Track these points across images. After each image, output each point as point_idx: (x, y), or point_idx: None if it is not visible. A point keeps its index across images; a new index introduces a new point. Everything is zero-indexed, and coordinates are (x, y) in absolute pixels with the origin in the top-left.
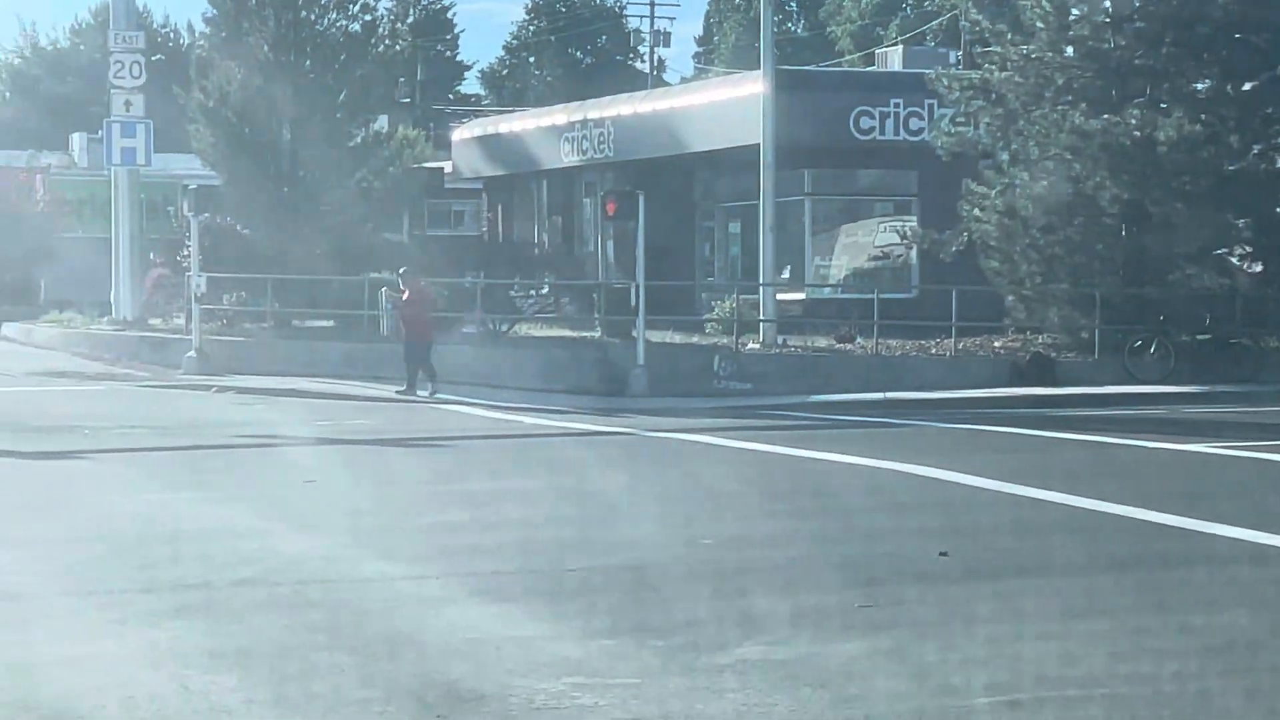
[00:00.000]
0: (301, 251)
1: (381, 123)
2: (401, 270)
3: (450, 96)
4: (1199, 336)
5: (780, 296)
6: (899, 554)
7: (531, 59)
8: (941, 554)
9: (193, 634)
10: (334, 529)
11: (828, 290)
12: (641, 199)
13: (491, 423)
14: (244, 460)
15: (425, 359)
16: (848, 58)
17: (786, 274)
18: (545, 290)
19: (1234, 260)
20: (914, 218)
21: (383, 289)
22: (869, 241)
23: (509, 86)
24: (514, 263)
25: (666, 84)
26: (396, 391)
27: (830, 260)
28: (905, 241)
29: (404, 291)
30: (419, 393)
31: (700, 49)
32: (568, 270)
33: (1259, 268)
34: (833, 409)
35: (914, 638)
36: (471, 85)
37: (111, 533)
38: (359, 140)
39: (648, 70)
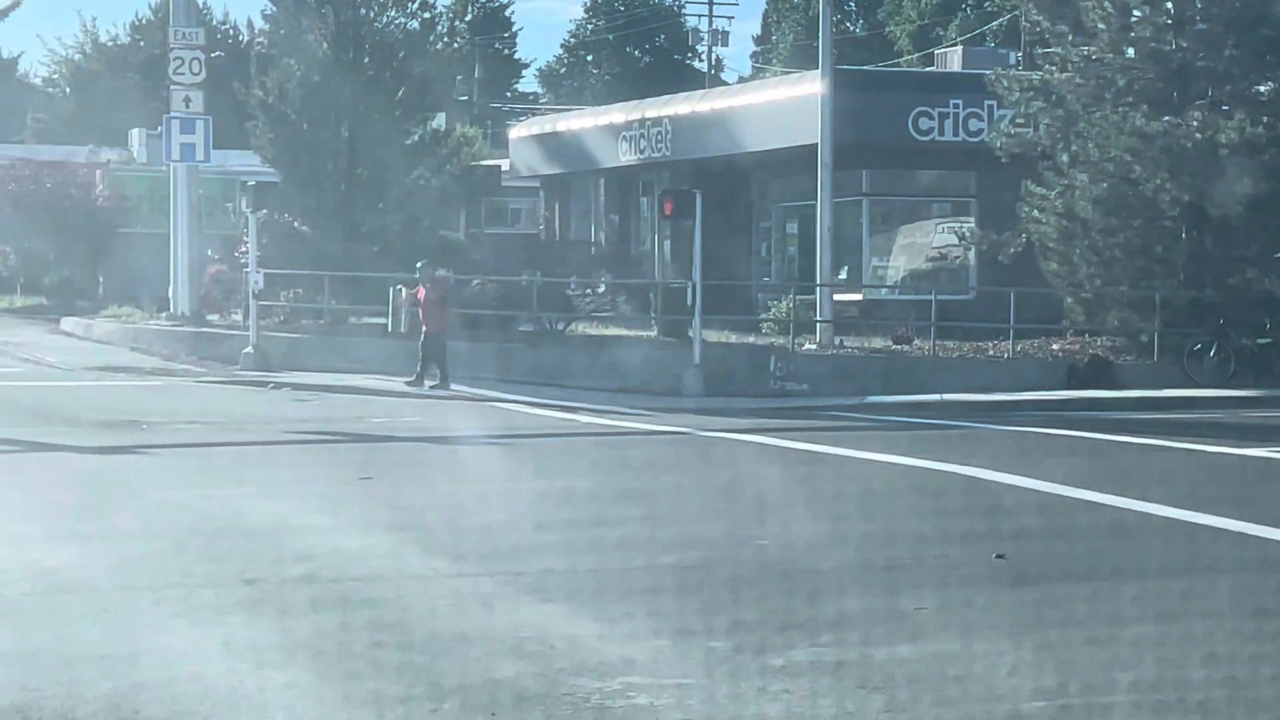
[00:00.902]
0: (359, 249)
1: (439, 121)
2: (420, 264)
3: (508, 95)
4: (1259, 341)
5: (837, 297)
6: (956, 557)
7: (589, 58)
8: (998, 557)
9: (246, 629)
10: (389, 526)
11: (885, 291)
12: (699, 198)
13: (547, 421)
14: (300, 456)
15: (440, 353)
16: (906, 58)
17: (844, 274)
18: (601, 289)
19: None
20: (972, 219)
21: (396, 285)
22: (926, 242)
23: (566, 85)
24: (570, 261)
25: (724, 83)
26: (405, 383)
27: (888, 261)
28: (964, 243)
29: (419, 288)
30: (426, 383)
31: (758, 48)
32: (624, 269)
33: None
34: (888, 410)
35: (966, 642)
36: (529, 84)
37: (168, 528)
38: (416, 138)
39: (705, 70)
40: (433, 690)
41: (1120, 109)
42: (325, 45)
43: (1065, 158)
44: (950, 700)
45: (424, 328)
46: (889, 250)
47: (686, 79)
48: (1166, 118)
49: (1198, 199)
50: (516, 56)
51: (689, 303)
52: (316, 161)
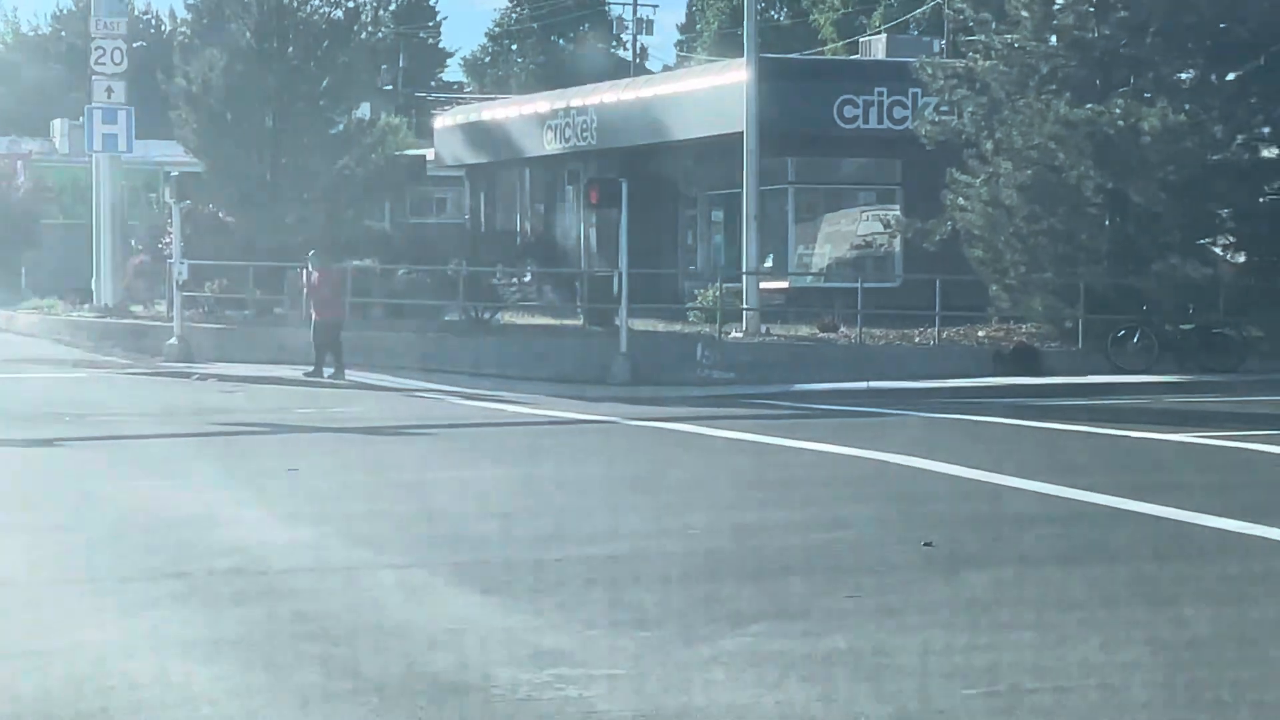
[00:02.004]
0: (284, 239)
1: (364, 110)
2: (311, 253)
3: (432, 84)
4: (1182, 326)
5: (763, 285)
6: (886, 544)
7: (514, 46)
8: (926, 544)
9: (175, 623)
10: (316, 517)
11: (810, 279)
12: (624, 187)
13: (474, 411)
14: (226, 448)
15: (335, 341)
16: (830, 46)
17: (769, 263)
18: (528, 278)
19: (1217, 250)
20: (897, 207)
21: (298, 267)
22: (852, 230)
23: (491, 74)
24: (497, 250)
25: (649, 72)
26: (304, 373)
27: (813, 249)
28: (889, 230)
29: (314, 274)
30: (326, 373)
31: (683, 37)
32: (550, 258)
33: (1241, 258)
34: (816, 398)
35: (901, 629)
36: (454, 73)
37: (95, 521)
38: (341, 128)
39: (630, 58)
40: (362, 683)
41: (1044, 97)
42: (249, 34)
43: (990, 145)
44: (886, 689)
45: (314, 317)
46: (814, 238)
47: (611, 68)
48: (1090, 105)
49: (1121, 186)
50: (441, 46)
51: (615, 292)
52: (241, 151)
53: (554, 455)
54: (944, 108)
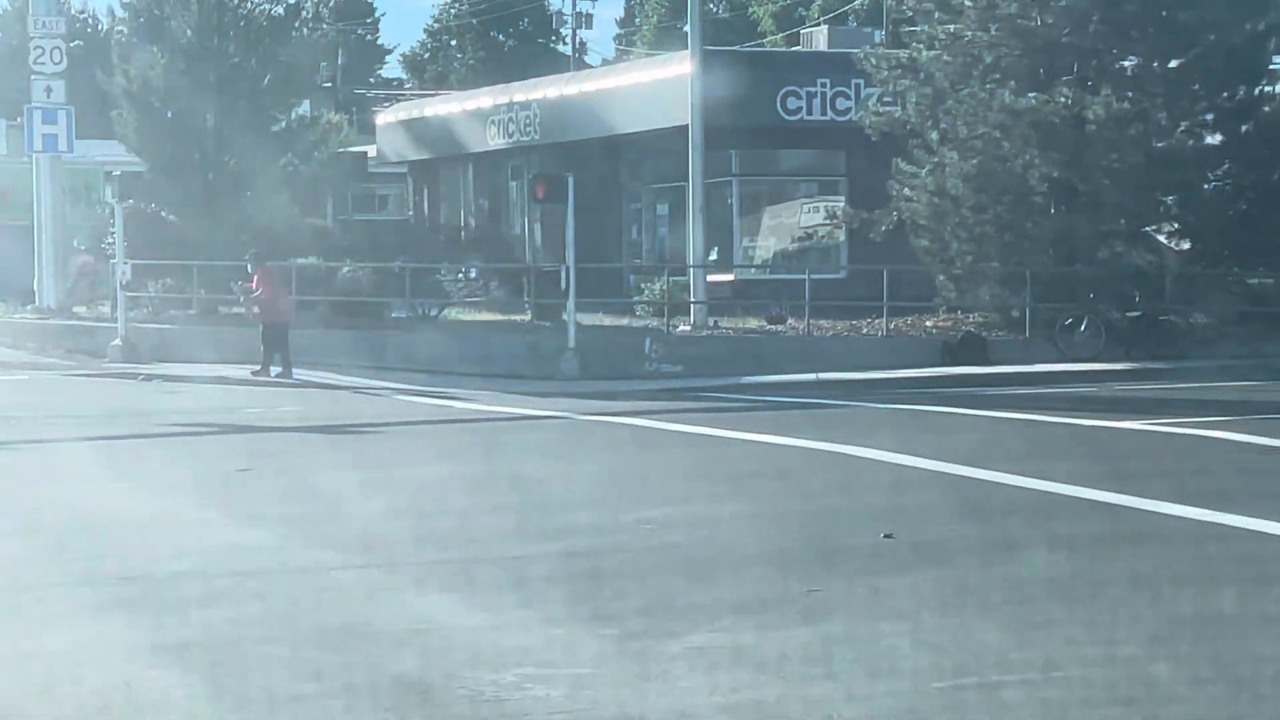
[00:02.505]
0: (227, 238)
1: (304, 108)
2: (249, 254)
3: (371, 81)
4: (1129, 314)
5: (709, 278)
6: (844, 536)
7: (453, 42)
8: (886, 536)
9: (134, 629)
10: (271, 518)
11: (756, 271)
12: (570, 182)
13: (423, 408)
14: (175, 449)
15: (282, 342)
16: (770, 38)
17: (714, 255)
18: (474, 274)
19: (1161, 238)
20: (841, 198)
21: (235, 281)
22: (795, 222)
23: (431, 70)
24: (442, 246)
25: (589, 66)
26: (251, 372)
27: (758, 241)
28: (835, 221)
29: (252, 278)
30: (272, 371)
31: (621, 31)
32: (496, 253)
33: (1186, 245)
34: (766, 390)
35: (864, 623)
36: (393, 69)
37: (46, 525)
38: (284, 125)
39: (570, 53)
40: (328, 686)
41: (988, 86)
42: (189, 32)
43: (935, 135)
44: (857, 686)
45: (260, 318)
46: (759, 230)
47: (551, 63)
48: (1034, 94)
49: (1066, 175)
50: (379, 42)
51: (563, 286)
52: (183, 150)
53: (509, 452)
54: (888, 99)
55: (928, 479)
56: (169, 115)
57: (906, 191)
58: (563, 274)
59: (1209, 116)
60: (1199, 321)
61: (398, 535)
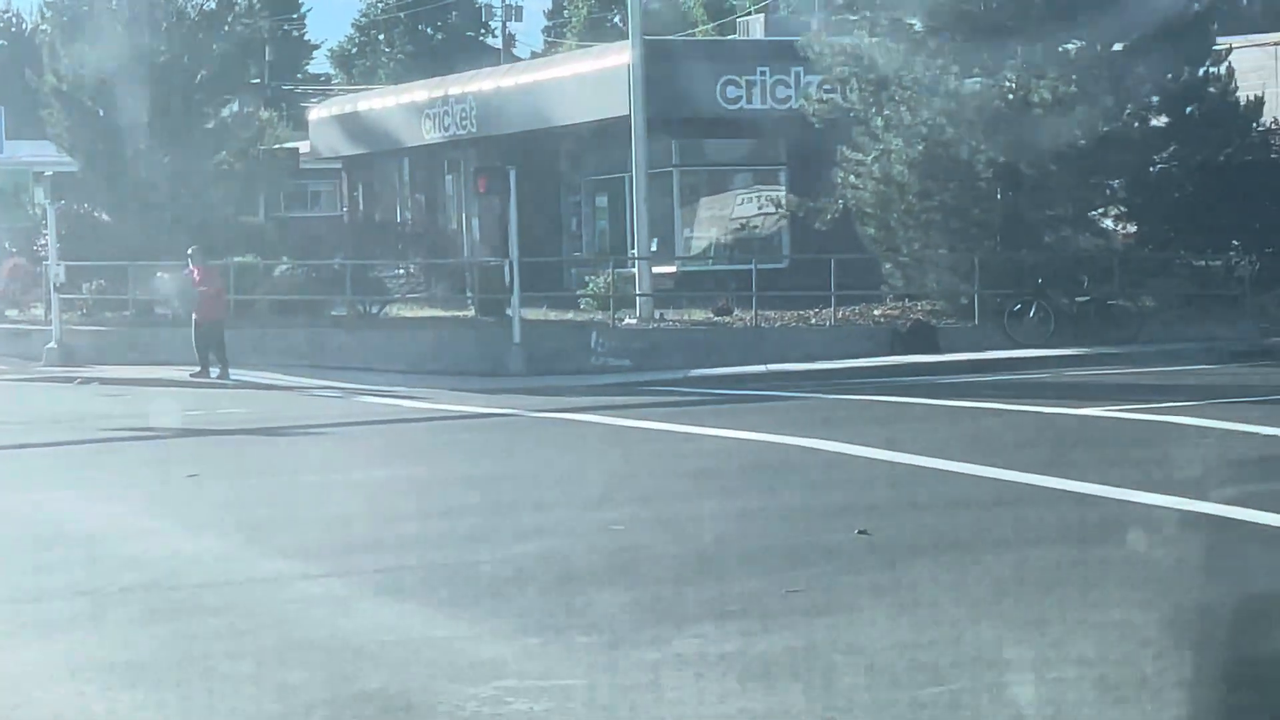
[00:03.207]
0: (162, 238)
1: (234, 104)
2: (190, 250)
3: (299, 77)
4: (1078, 299)
5: (652, 270)
6: (817, 534)
7: (381, 36)
8: (861, 532)
9: (88, 645)
10: (224, 526)
11: (700, 263)
12: (513, 175)
13: (370, 408)
14: (119, 454)
15: (219, 341)
16: (701, 28)
17: (654, 246)
18: (414, 270)
19: (1108, 222)
20: (782, 187)
21: (159, 273)
22: (738, 212)
23: (359, 65)
24: (382, 242)
25: (518, 59)
26: (190, 374)
27: (699, 232)
28: (782, 210)
29: (194, 272)
30: (212, 373)
31: (550, 23)
32: (437, 249)
33: (1132, 229)
34: (717, 383)
35: (846, 624)
36: (321, 65)
37: None
38: (217, 122)
39: (500, 46)
40: (297, 704)
41: (930, 72)
42: (119, 27)
43: (880, 122)
44: (844, 692)
45: (194, 316)
46: (700, 221)
47: (480, 56)
48: (978, 78)
49: (1013, 159)
50: (307, 38)
51: (506, 281)
52: (115, 148)
53: (462, 451)
54: (829, 86)
55: (895, 472)
56: (101, 114)
57: (852, 179)
58: (506, 268)
59: (1154, 99)
60: (1147, 306)
61: (356, 541)
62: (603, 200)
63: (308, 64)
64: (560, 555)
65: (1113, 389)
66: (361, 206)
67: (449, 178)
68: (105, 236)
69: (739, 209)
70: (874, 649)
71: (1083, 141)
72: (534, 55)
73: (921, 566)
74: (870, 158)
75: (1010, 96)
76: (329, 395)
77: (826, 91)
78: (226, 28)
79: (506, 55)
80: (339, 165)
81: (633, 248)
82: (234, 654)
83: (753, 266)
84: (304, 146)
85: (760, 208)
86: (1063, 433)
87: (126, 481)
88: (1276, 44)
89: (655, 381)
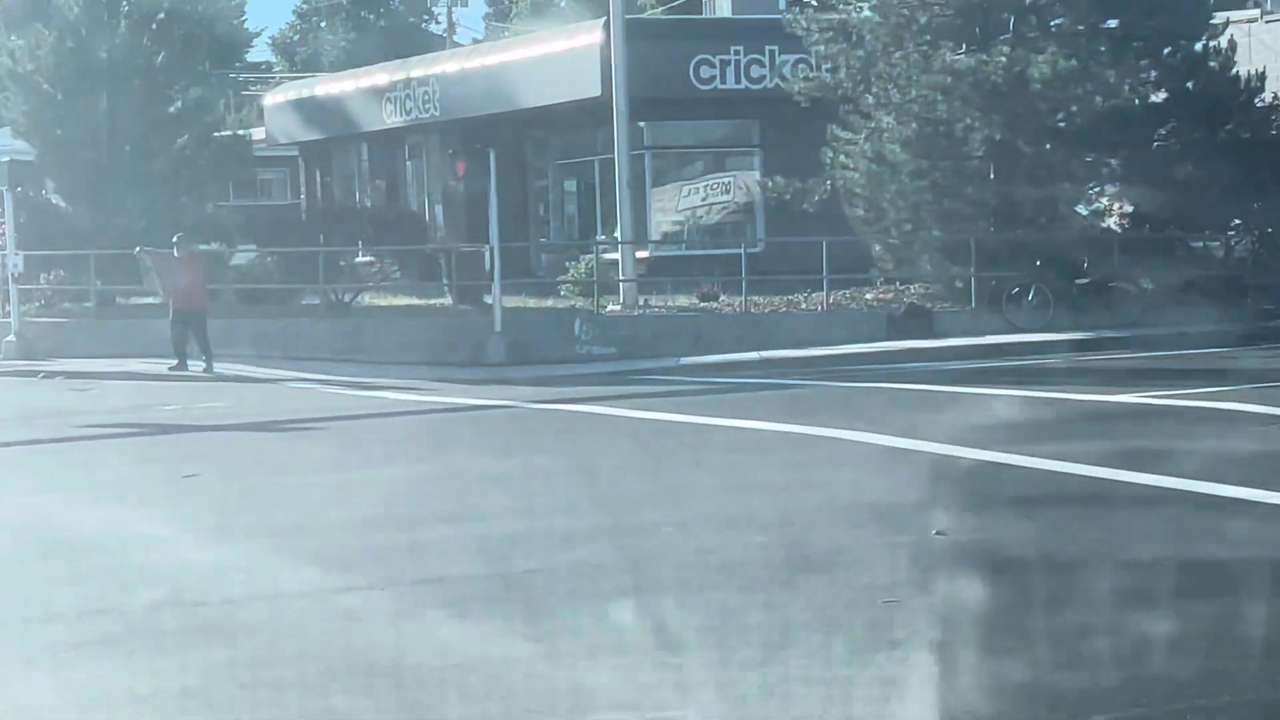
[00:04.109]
0: (125, 225)
1: (194, 90)
2: (178, 236)
3: (238, 64)
4: (1078, 281)
5: (637, 255)
6: (887, 534)
7: (323, 24)
8: (938, 533)
9: (117, 672)
10: (238, 531)
11: (676, 247)
12: (493, 157)
13: (356, 401)
14: (103, 453)
15: (202, 332)
16: (661, 7)
17: (618, 233)
18: (387, 257)
19: (1104, 201)
20: (756, 170)
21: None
22: (710, 195)
23: (301, 53)
24: (351, 229)
25: (458, 45)
26: (169, 368)
27: (672, 216)
28: (770, 192)
29: (176, 258)
30: (190, 365)
31: (490, 9)
32: (411, 235)
33: (1128, 208)
34: (712, 371)
35: (955, 639)
36: (261, 52)
37: None
38: (178, 106)
39: (443, 32)
40: None
41: (920, 48)
42: (77, 8)
43: (870, 99)
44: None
45: (173, 306)
46: (674, 204)
47: (423, 43)
48: (974, 53)
49: (1009, 137)
50: (246, 25)
51: (487, 267)
52: (75, 133)
53: (470, 447)
54: (811, 63)
55: (942, 465)
56: (59, 97)
57: (842, 158)
58: (487, 254)
59: (1154, 73)
60: (1146, 288)
61: (388, 548)
62: (571, 185)
63: (248, 52)
64: (613, 562)
65: (1135, 373)
66: (319, 193)
67: (409, 163)
68: (63, 225)
69: (711, 192)
70: (999, 664)
71: (1080, 119)
72: (475, 42)
73: (1021, 575)
74: (862, 137)
75: (1007, 72)
76: (309, 387)
77: (805, 70)
78: (190, 7)
79: (449, 42)
80: (290, 152)
81: (601, 233)
82: (284, 682)
83: (742, 250)
84: (257, 133)
85: (732, 191)
86: (1109, 420)
87: (119, 482)
88: (1250, 20)
89: (647, 370)
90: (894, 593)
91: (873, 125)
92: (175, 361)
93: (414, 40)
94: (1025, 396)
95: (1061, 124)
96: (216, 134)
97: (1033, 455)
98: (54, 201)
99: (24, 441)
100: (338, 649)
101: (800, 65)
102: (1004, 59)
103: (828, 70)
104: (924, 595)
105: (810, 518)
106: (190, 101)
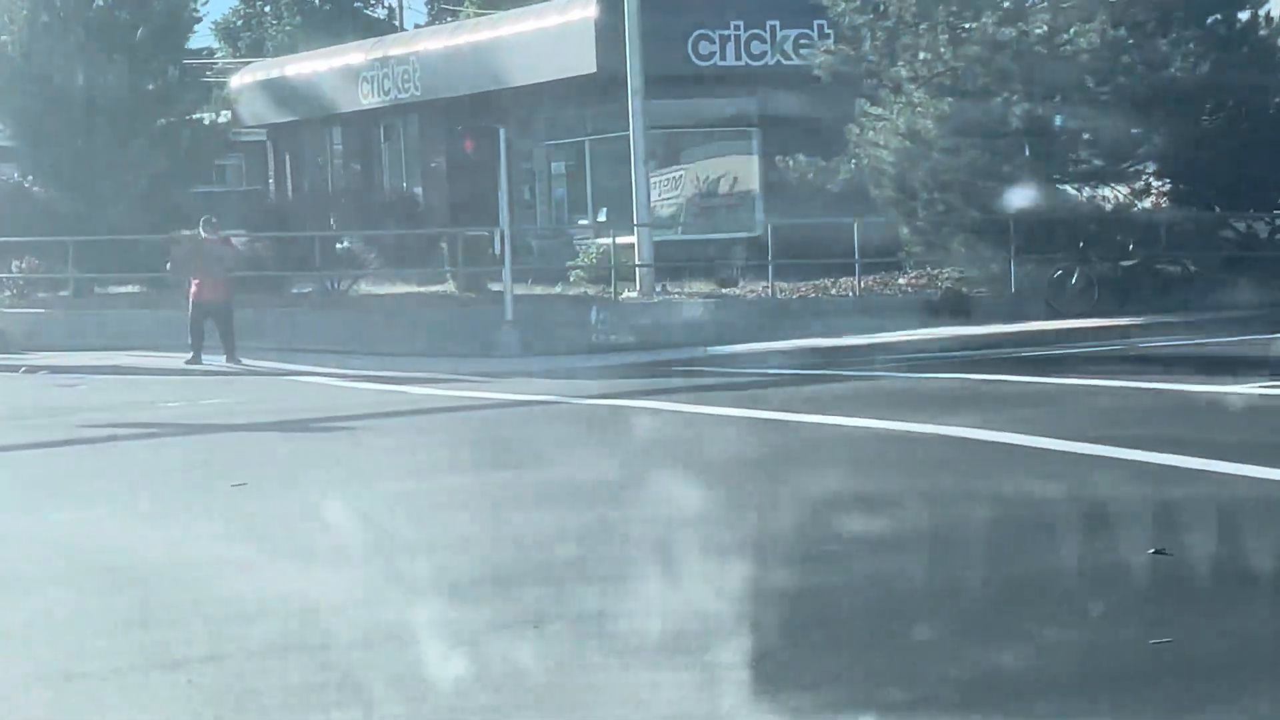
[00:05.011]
0: (103, 209)
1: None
2: (205, 219)
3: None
4: (1123, 264)
5: (619, 240)
6: (1098, 553)
7: (267, 9)
8: (1157, 552)
9: None
10: (329, 554)
11: (662, 232)
12: (503, 134)
13: (379, 396)
14: (123, 457)
15: (228, 324)
16: None
17: (603, 216)
18: (387, 242)
19: (1152, 179)
20: (754, 152)
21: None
22: (708, 176)
23: (245, 39)
24: (349, 213)
25: (399, 29)
26: (185, 361)
27: (666, 199)
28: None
29: (223, 242)
30: (204, 360)
31: None
32: (409, 219)
33: (1182, 187)
34: (748, 361)
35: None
36: (204, 38)
37: (32, 575)
38: (159, 84)
39: (383, 16)
40: None
41: (949, 20)
42: None
43: (904, 71)
44: None
45: (197, 296)
46: (670, 186)
47: (366, 27)
48: (1001, 22)
49: (1049, 112)
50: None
51: (493, 252)
52: (49, 113)
53: (533, 449)
54: (804, 40)
55: (1103, 468)
56: (33, 75)
57: (870, 135)
58: (497, 239)
59: (1191, 45)
60: (1191, 270)
61: (516, 574)
62: (559, 167)
63: (189, 39)
64: (815, 593)
65: (1220, 361)
66: (289, 177)
67: (385, 145)
68: (38, 210)
69: (709, 173)
70: None
71: (1129, 91)
72: (417, 27)
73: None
74: (895, 111)
75: (1051, 43)
76: (319, 381)
77: (813, 43)
78: None
79: (390, 26)
80: (249, 137)
81: (592, 216)
82: None
83: (765, 233)
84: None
85: (732, 172)
86: (1247, 416)
87: (159, 493)
88: None
89: (678, 361)
90: (1157, 631)
91: (903, 100)
92: (190, 355)
93: (355, 25)
94: (1126, 388)
95: (1106, 97)
96: (194, 115)
97: (1189, 456)
98: (26, 185)
99: (29, 445)
100: (549, 710)
101: (802, 40)
102: (1044, 29)
103: (851, 33)
104: (1194, 631)
105: (988, 531)
106: (171, 80)
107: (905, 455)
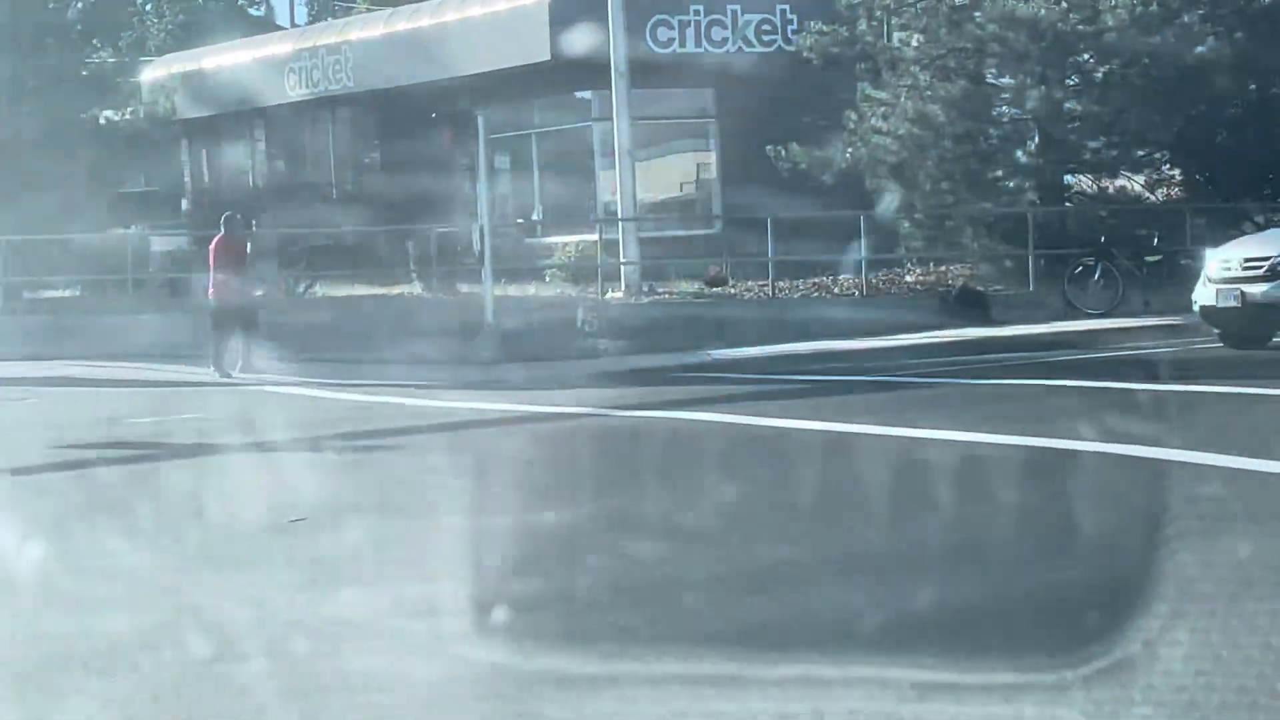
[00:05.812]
0: (33, 206)
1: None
2: (226, 215)
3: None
4: (1148, 259)
5: (584, 238)
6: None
7: (148, 7)
8: None
9: None
10: (457, 604)
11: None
12: (482, 122)
13: (380, 409)
14: (127, 488)
15: (253, 329)
16: None
17: (537, 215)
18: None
19: (1174, 171)
20: (713, 144)
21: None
22: (667, 170)
23: (126, 38)
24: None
25: (280, 28)
26: (215, 371)
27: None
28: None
29: (225, 241)
30: (230, 373)
31: None
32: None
33: (1181, 175)
34: (759, 366)
35: None
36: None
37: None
38: (93, 70)
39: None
40: None
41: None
42: None
43: (910, 51)
44: None
45: (220, 300)
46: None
47: (248, 25)
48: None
49: (1070, 96)
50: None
51: (476, 250)
52: None
53: (616, 474)
54: (767, 25)
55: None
56: None
57: (873, 121)
58: (476, 235)
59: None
60: None
61: (714, 629)
62: (504, 161)
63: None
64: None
65: None
66: (206, 175)
67: (314, 140)
68: None
69: (668, 167)
70: None
71: (1155, 73)
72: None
73: None
74: (903, 96)
75: (1074, 19)
76: (298, 393)
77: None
78: None
79: (274, 25)
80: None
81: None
82: None
83: (697, 231)
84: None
85: (691, 165)
86: None
87: (203, 533)
88: None
89: (685, 367)
90: None
91: (907, 83)
92: (210, 368)
93: (235, 24)
94: (1179, 392)
95: (1137, 79)
96: (137, 104)
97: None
98: None
99: (10, 470)
100: None
101: (764, 26)
102: (1063, 5)
103: (849, 12)
104: None
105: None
106: (108, 68)
107: (1116, 481)
